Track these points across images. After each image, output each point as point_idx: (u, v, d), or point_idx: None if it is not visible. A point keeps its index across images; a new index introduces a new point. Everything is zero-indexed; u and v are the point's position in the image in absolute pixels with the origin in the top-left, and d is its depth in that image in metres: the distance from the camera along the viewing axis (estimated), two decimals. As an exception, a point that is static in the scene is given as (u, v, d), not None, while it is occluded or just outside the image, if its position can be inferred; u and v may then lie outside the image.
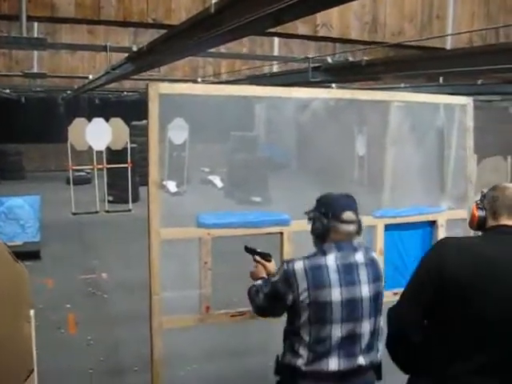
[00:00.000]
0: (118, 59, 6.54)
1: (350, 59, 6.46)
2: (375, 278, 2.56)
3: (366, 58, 5.85)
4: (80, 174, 13.75)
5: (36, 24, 5.45)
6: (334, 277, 2.46)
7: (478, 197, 2.44)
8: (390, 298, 3.02)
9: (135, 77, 7.91)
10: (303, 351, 2.46)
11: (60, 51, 8.31)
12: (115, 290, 6.72)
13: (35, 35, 5.21)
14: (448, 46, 4.61)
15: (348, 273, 2.49)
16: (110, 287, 6.86)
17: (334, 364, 2.45)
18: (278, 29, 3.75)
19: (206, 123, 8.93)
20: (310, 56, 6.48)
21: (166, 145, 13.15)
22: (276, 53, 7.68)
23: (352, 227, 2.55)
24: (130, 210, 11.55)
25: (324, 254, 2.51)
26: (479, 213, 2.34)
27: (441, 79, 7.71)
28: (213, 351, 4.80)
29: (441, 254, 2.25)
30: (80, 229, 10.22)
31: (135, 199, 11.99)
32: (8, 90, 13.86)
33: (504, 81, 7.52)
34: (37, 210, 8.12)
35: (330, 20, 4.28)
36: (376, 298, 2.55)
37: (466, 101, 3.93)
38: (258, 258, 2.94)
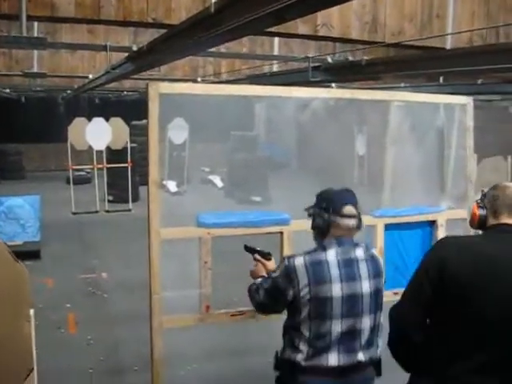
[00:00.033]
0: (118, 59, 6.54)
1: (350, 59, 6.45)
2: (375, 273, 2.56)
3: (366, 57, 5.85)
4: (80, 174, 13.75)
5: (36, 23, 5.45)
6: (334, 272, 2.46)
7: (478, 196, 2.44)
8: (391, 297, 3.02)
9: (135, 76, 7.91)
10: (303, 346, 2.46)
11: (60, 51, 8.31)
12: (115, 289, 6.72)
13: (35, 35, 5.21)
14: (448, 46, 4.61)
15: (348, 268, 2.49)
16: (110, 287, 6.86)
17: (333, 359, 2.45)
18: (278, 28, 3.75)
19: (206, 123, 8.93)
20: (310, 55, 6.47)
21: (166, 144, 13.15)
22: (276, 52, 7.67)
23: (352, 222, 2.55)
24: (130, 210, 11.55)
25: (324, 249, 2.52)
26: (480, 211, 2.35)
27: (441, 79, 7.71)
28: (213, 351, 4.80)
29: (440, 253, 2.25)
30: (80, 228, 10.22)
31: (135, 199, 11.99)
32: (8, 90, 13.86)
33: (504, 80, 7.52)
34: (37, 209, 8.12)
35: (330, 20, 4.27)
36: (376, 293, 2.55)
37: (466, 100, 3.93)
38: (257, 256, 2.94)
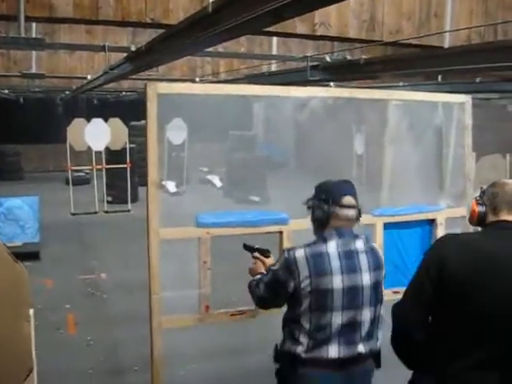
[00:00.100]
0: (117, 59, 6.54)
1: (348, 58, 6.46)
2: (376, 266, 2.56)
3: (364, 56, 5.85)
4: (79, 175, 13.74)
5: (34, 24, 5.45)
6: (335, 264, 2.46)
7: (477, 194, 2.45)
8: (390, 296, 3.03)
9: (134, 77, 7.91)
10: (303, 338, 2.46)
11: (58, 52, 8.31)
12: (114, 290, 6.72)
13: (33, 36, 5.20)
14: (446, 44, 4.61)
15: (349, 260, 2.50)
16: (109, 287, 6.86)
17: (333, 351, 2.46)
18: (276, 28, 3.74)
19: (205, 123, 8.94)
20: (309, 55, 6.47)
21: (164, 145, 13.15)
22: (274, 52, 7.67)
23: (352, 212, 2.55)
24: (129, 211, 11.55)
25: (325, 241, 2.52)
26: (479, 208, 2.36)
27: (439, 77, 7.71)
28: (212, 350, 4.80)
29: (440, 252, 2.25)
30: (79, 229, 10.22)
31: (134, 199, 11.99)
32: (6, 91, 13.85)
33: (502, 78, 7.53)
34: (36, 210, 8.11)
35: (328, 19, 4.27)
36: (376, 286, 2.55)
37: (465, 99, 3.93)
38: (256, 254, 2.93)
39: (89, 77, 8.74)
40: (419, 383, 2.31)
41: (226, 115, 6.78)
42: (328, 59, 6.51)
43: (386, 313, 2.60)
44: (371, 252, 2.59)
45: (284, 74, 7.37)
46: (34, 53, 8.00)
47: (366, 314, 2.51)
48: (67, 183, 11.89)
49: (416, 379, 2.35)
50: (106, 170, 11.87)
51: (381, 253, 2.70)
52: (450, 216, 3.91)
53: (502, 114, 13.03)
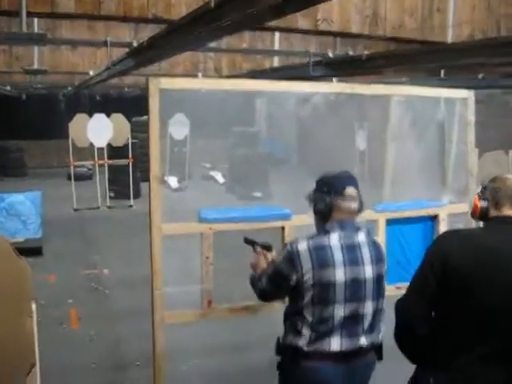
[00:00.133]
0: (119, 55, 6.53)
1: (351, 53, 6.44)
2: (378, 259, 2.56)
3: (366, 52, 5.84)
4: (81, 170, 13.75)
5: (36, 20, 5.44)
6: (337, 256, 2.46)
7: (479, 190, 2.45)
8: (393, 291, 3.03)
9: (136, 72, 7.90)
10: (306, 331, 2.46)
11: (60, 48, 8.30)
12: (117, 285, 6.73)
13: (35, 31, 5.20)
14: (449, 40, 4.60)
15: (351, 253, 2.49)
16: (111, 283, 6.87)
17: (336, 344, 2.46)
18: (279, 23, 3.74)
19: (207, 118, 8.93)
20: (311, 50, 6.46)
21: (166, 140, 13.14)
22: (277, 47, 7.66)
23: (354, 204, 2.55)
24: (131, 206, 11.55)
25: (327, 233, 2.51)
26: (481, 203, 2.36)
27: (442, 73, 7.69)
28: (214, 346, 4.81)
29: (443, 247, 2.26)
30: (82, 225, 10.24)
31: (136, 195, 11.99)
32: (9, 87, 13.84)
33: (505, 74, 7.50)
34: (38, 206, 8.11)
35: (330, 14, 4.27)
36: (379, 279, 2.55)
37: (467, 94, 3.92)
38: (258, 248, 2.93)
39: (91, 72, 8.72)
40: (422, 378, 2.31)
41: (229, 111, 6.79)
42: (331, 55, 6.49)
43: (387, 306, 2.60)
44: (373, 245, 2.59)
45: (286, 70, 7.36)
46: (36, 49, 7.98)
47: (369, 307, 2.51)
48: (69, 179, 11.89)
49: (419, 374, 2.35)
50: (109, 165, 11.88)
51: (382, 246, 2.70)
52: (453, 212, 3.91)
53: (505, 109, 12.99)
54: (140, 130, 11.97)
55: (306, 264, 2.44)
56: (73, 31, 7.05)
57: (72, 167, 11.63)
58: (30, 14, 3.84)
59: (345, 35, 4.67)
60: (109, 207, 11.55)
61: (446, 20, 4.49)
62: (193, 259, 3.28)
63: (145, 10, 3.88)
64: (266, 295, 2.72)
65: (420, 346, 2.30)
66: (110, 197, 11.90)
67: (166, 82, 3.06)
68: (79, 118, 11.34)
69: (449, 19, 4.49)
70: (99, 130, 11.10)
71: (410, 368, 2.40)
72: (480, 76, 7.55)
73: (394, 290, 3.14)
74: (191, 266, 3.29)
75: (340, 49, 6.71)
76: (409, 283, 2.34)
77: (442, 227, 3.79)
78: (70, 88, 13.88)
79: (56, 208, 10.48)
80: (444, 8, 4.48)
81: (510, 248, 2.17)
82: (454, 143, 4.10)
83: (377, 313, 2.56)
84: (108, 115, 11.44)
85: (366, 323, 2.52)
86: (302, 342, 2.46)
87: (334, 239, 2.49)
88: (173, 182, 12.82)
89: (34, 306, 2.38)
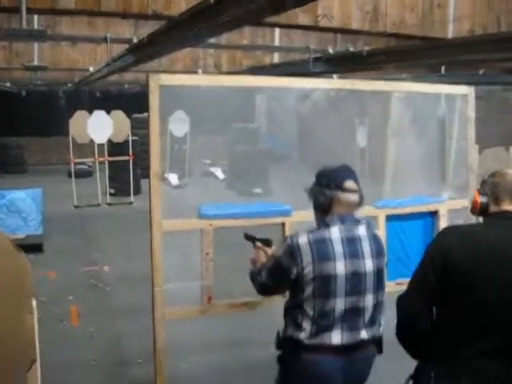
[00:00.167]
0: (119, 51, 6.52)
1: (351, 49, 6.44)
2: (378, 252, 2.56)
3: (367, 48, 5.83)
4: (81, 167, 13.74)
5: (36, 16, 5.44)
6: (338, 250, 2.45)
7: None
8: (393, 288, 3.04)
9: (136, 69, 7.90)
10: (307, 324, 2.46)
11: (60, 44, 8.30)
12: (117, 282, 6.74)
13: (35, 27, 5.20)
14: (449, 35, 4.59)
15: (352, 246, 2.49)
16: (112, 279, 6.87)
17: (336, 337, 2.46)
18: (279, 19, 3.74)
19: (207, 115, 8.91)
20: (311, 46, 6.46)
21: (167, 137, 13.13)
22: (277, 44, 7.66)
23: (354, 197, 2.54)
24: (131, 203, 11.55)
25: (327, 226, 2.51)
26: (481, 199, 2.36)
27: (442, 69, 7.68)
28: (215, 342, 4.81)
29: (443, 243, 2.25)
30: (82, 221, 10.24)
31: (137, 192, 11.99)
32: (8, 84, 13.84)
33: (505, 70, 7.50)
34: (39, 202, 8.12)
35: (330, 10, 4.26)
36: (379, 272, 2.55)
37: (468, 91, 3.91)
38: (258, 244, 2.92)
39: (91, 69, 8.73)
40: (423, 373, 2.32)
41: (229, 107, 6.76)
42: (331, 51, 6.48)
43: (387, 303, 2.60)
44: (373, 238, 2.58)
45: (286, 66, 7.36)
46: (36, 45, 7.98)
47: (369, 300, 2.51)
48: (70, 176, 11.89)
49: (420, 369, 2.35)
50: (109, 162, 11.86)
51: (382, 240, 2.70)
52: (453, 208, 3.91)
53: (505, 106, 12.98)
54: (140, 127, 11.98)
55: (307, 257, 2.44)
56: (73, 27, 7.06)
57: (72, 164, 11.63)
58: (29, 11, 3.84)
59: (345, 31, 4.67)
60: (109, 204, 11.55)
61: (447, 15, 4.49)
62: (193, 255, 3.28)
63: (145, 6, 3.88)
64: (265, 289, 2.71)
65: (421, 341, 2.30)
66: (111, 194, 11.90)
67: (166, 79, 3.06)
68: (79, 114, 11.33)
69: (449, 15, 4.48)
70: (99, 127, 11.09)
71: (410, 362, 2.40)
72: (480, 72, 7.54)
73: (395, 286, 3.15)
74: (191, 263, 3.29)
75: (340, 45, 6.71)
76: (409, 279, 2.34)
77: (442, 223, 3.79)
78: (70, 85, 13.88)
79: (56, 205, 10.48)
80: (444, 3, 4.48)
81: (510, 244, 2.17)
82: (454, 139, 4.10)
83: (377, 306, 2.56)
84: (108, 112, 11.42)
85: (367, 316, 2.52)
86: (303, 336, 2.46)
87: (335, 232, 2.49)
88: (173, 179, 12.81)
89: (34, 303, 2.37)
